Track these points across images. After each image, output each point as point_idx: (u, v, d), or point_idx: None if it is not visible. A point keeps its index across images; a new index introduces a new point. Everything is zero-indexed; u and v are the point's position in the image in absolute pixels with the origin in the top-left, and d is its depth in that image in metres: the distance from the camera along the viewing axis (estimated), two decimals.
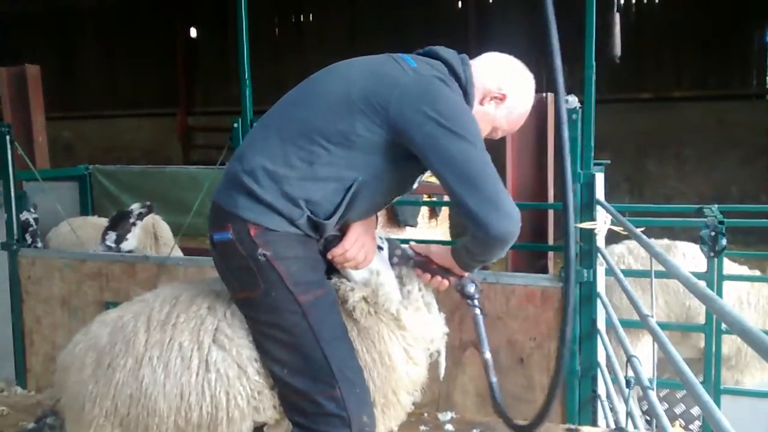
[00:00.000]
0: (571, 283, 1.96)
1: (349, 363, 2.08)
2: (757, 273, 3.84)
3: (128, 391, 2.12)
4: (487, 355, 2.20)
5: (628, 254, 3.87)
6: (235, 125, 3.63)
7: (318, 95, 2.08)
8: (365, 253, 2.16)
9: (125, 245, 4.35)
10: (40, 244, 4.43)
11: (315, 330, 2.04)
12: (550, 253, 3.82)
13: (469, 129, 1.95)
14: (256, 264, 2.04)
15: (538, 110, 3.49)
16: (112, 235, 4.35)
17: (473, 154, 1.92)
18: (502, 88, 2.16)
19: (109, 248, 4.32)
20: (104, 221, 5.11)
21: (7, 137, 4.00)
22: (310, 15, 12.91)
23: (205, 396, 2.09)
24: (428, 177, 7.00)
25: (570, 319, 1.92)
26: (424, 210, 5.99)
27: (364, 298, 2.16)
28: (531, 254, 3.82)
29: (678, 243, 3.93)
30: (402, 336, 2.18)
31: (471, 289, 2.23)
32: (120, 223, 4.42)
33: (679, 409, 3.77)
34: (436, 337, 2.28)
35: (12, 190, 4.01)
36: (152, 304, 2.24)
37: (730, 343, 3.64)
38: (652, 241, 2.34)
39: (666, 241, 3.96)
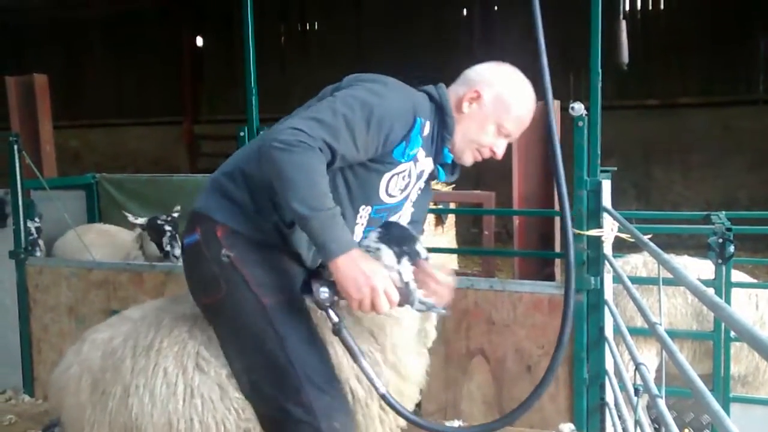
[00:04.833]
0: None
1: (318, 368, 2.03)
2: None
3: (121, 419, 2.12)
4: (364, 363, 1.97)
5: (642, 266, 3.75)
6: (242, 134, 3.64)
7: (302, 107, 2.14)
8: (373, 293, 1.88)
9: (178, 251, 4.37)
10: (38, 254, 4.44)
11: (279, 333, 2.01)
12: (557, 261, 3.81)
13: (356, 98, 1.96)
14: (219, 266, 2.05)
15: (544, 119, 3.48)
16: (176, 247, 4.36)
17: (331, 102, 1.96)
18: (472, 86, 2.16)
19: (175, 258, 4.33)
20: (110, 227, 5.13)
21: (15, 146, 4.03)
22: (316, 23, 12.94)
23: (193, 423, 2.06)
24: (434, 185, 6.98)
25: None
26: (431, 217, 5.99)
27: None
28: (538, 262, 3.81)
29: (694, 261, 3.82)
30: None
31: (323, 295, 1.94)
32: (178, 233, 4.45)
33: (688, 417, 3.74)
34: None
35: (20, 198, 4.03)
36: (139, 328, 2.22)
37: (747, 363, 3.60)
38: (674, 257, 2.32)
39: (686, 258, 3.85)
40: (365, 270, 1.86)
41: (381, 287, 1.87)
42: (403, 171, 2.10)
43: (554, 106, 3.65)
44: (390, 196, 2.13)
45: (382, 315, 1.98)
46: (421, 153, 2.12)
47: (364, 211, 2.13)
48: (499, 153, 2.23)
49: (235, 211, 2.07)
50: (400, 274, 1.95)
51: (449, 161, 2.22)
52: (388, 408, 2.05)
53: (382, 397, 1.97)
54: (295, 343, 2.01)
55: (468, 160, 2.24)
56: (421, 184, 2.25)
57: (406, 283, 1.94)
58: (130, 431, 2.10)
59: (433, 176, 2.26)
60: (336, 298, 1.94)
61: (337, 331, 1.98)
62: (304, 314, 2.09)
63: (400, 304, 1.94)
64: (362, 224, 2.15)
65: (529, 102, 2.21)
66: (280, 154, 1.84)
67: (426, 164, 2.17)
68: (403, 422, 2.20)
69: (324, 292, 1.93)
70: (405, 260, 2.00)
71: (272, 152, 1.85)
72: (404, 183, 2.13)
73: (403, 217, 2.28)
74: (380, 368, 2.08)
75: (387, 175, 2.07)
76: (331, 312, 1.96)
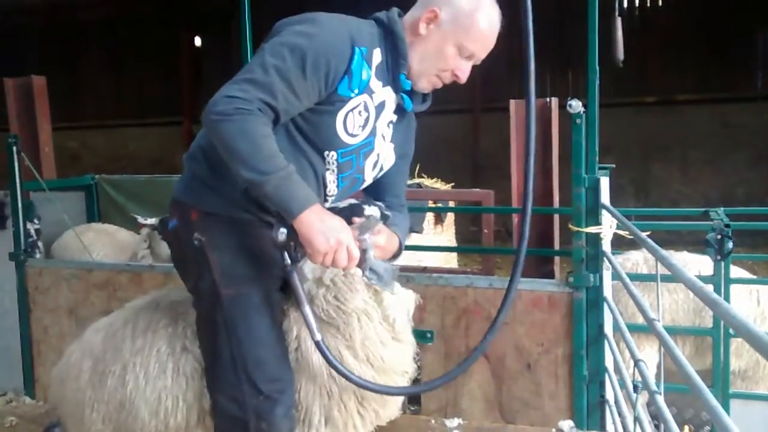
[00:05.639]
0: None
1: (261, 367, 2.00)
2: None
3: (118, 396, 2.20)
4: (307, 310, 1.96)
5: (643, 263, 3.73)
6: None
7: None
8: (337, 246, 1.85)
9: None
10: (38, 256, 4.45)
11: (228, 326, 2.00)
12: (556, 258, 3.81)
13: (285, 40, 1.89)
14: (192, 250, 2.04)
15: (543, 115, 3.49)
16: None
17: (261, 55, 1.90)
18: (429, 6, 2.04)
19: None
20: (108, 226, 5.14)
21: (14, 148, 4.03)
22: None
23: (178, 400, 2.14)
24: (433, 183, 6.96)
25: None
26: (430, 216, 5.99)
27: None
28: (537, 259, 3.81)
29: (693, 257, 3.81)
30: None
31: (281, 237, 1.91)
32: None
33: (688, 414, 3.75)
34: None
35: (19, 200, 4.03)
36: (138, 314, 2.30)
37: (747, 358, 3.60)
38: (674, 254, 2.32)
39: (685, 254, 3.85)
40: (330, 225, 1.85)
41: (346, 241, 1.86)
42: (357, 105, 2.00)
43: (552, 103, 3.67)
44: (351, 135, 2.03)
45: (340, 272, 2.03)
46: (375, 83, 2.02)
47: (330, 157, 2.05)
48: (463, 77, 2.09)
49: (202, 191, 2.05)
50: (361, 241, 1.93)
51: (408, 88, 2.09)
52: (366, 404, 2.12)
53: (316, 344, 1.96)
54: (243, 338, 1.99)
55: (425, 86, 2.11)
56: (390, 116, 2.13)
57: (364, 250, 1.93)
58: (124, 407, 2.18)
59: (400, 107, 2.13)
60: (293, 243, 1.91)
61: (288, 273, 1.96)
62: (263, 310, 2.04)
63: (357, 266, 1.93)
64: (333, 170, 2.07)
65: (492, 19, 2.06)
66: (220, 126, 1.81)
67: (385, 94, 2.06)
68: (386, 417, 2.23)
69: (282, 234, 1.90)
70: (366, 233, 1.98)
71: (212, 126, 1.83)
72: (362, 118, 2.03)
73: (384, 157, 2.18)
74: (352, 366, 2.07)
75: (341, 114, 1.98)
76: (285, 253, 1.94)
